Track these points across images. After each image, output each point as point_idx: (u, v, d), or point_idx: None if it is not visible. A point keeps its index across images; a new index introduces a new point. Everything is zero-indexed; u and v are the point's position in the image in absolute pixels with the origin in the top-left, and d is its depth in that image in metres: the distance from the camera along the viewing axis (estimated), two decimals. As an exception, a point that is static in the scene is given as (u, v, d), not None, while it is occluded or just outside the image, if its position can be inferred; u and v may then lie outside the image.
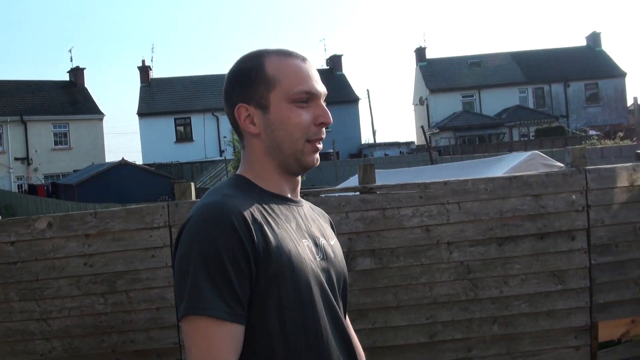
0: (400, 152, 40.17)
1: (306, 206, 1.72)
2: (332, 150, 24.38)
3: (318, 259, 1.59)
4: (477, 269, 4.02)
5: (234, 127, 1.68)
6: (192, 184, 4.15)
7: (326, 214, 1.84)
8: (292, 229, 1.56)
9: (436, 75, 45.92)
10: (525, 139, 38.05)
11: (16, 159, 39.05)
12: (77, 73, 43.62)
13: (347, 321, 1.70)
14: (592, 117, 43.79)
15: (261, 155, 1.62)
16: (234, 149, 25.49)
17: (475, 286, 4.02)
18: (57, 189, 34.01)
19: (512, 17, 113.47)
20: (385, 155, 37.84)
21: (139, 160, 38.33)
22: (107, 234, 3.89)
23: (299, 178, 1.70)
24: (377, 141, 46.85)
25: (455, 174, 6.95)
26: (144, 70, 44.04)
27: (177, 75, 45.68)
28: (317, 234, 1.65)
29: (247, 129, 1.62)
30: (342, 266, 1.70)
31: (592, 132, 33.55)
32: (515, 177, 4.13)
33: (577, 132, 36.41)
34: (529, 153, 7.46)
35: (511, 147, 29.85)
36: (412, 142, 43.49)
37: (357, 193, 4.06)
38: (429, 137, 42.49)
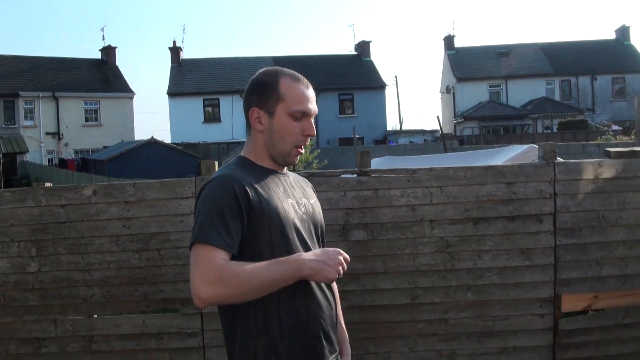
0: (425, 139, 40.43)
1: (292, 176, 2.41)
2: (352, 136, 24.87)
3: (300, 213, 2.27)
4: (454, 243, 4.53)
5: (246, 120, 2.36)
6: (216, 162, 4.81)
7: (309, 182, 2.52)
8: (280, 192, 2.25)
9: (464, 64, 45.76)
10: (549, 131, 38.02)
11: (47, 133, 39.65)
12: (109, 52, 44.20)
13: None
14: (618, 111, 43.43)
15: (261, 145, 2.31)
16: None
17: (453, 258, 4.53)
18: (87, 164, 34.82)
19: (542, 8, 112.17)
20: (410, 142, 38.15)
21: (167, 139, 38.95)
22: (144, 201, 4.52)
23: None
24: (404, 128, 47.09)
25: (458, 162, 7.57)
26: (175, 50, 44.61)
27: (207, 57, 46.15)
28: (299, 195, 2.34)
29: (255, 126, 2.31)
30: (320, 218, 2.40)
31: (614, 127, 33.53)
32: (491, 166, 4.65)
33: (600, 127, 36.32)
34: (527, 146, 8.02)
35: (534, 139, 29.84)
36: (436, 130, 43.58)
37: (355, 175, 4.65)
38: (454, 125, 42.81)
